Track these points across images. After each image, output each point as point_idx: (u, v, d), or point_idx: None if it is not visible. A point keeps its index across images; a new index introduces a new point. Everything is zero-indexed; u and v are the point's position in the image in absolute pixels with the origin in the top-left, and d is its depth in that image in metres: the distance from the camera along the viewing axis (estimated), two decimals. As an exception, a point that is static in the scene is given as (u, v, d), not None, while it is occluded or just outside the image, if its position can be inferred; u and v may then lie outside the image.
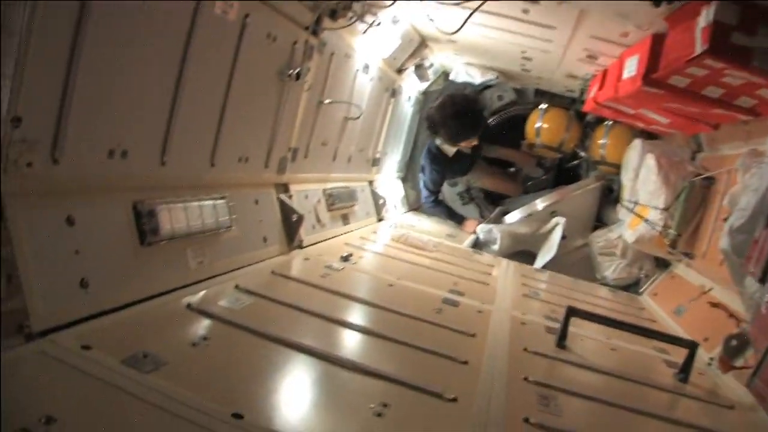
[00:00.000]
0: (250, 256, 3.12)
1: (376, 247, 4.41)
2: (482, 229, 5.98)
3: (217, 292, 2.57)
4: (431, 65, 6.08)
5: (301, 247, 3.67)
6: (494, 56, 5.44)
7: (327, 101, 3.89)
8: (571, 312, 3.01)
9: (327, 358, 2.17)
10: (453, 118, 5.77)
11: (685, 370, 2.96)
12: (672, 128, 4.56)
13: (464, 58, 5.85)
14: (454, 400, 2.06)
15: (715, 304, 3.13)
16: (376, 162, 5.56)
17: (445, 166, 6.31)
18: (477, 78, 5.96)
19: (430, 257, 4.46)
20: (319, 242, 3.96)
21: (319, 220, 4.05)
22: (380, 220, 5.51)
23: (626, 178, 5.59)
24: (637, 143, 5.40)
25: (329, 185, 4.39)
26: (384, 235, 4.90)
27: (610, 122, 6.23)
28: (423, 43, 5.37)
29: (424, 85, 6.48)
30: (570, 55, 4.71)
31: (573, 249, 6.05)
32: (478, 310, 3.30)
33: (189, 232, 2.59)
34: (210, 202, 2.78)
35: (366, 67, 4.52)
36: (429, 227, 6.12)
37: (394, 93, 5.55)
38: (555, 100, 6.49)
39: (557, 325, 3.19)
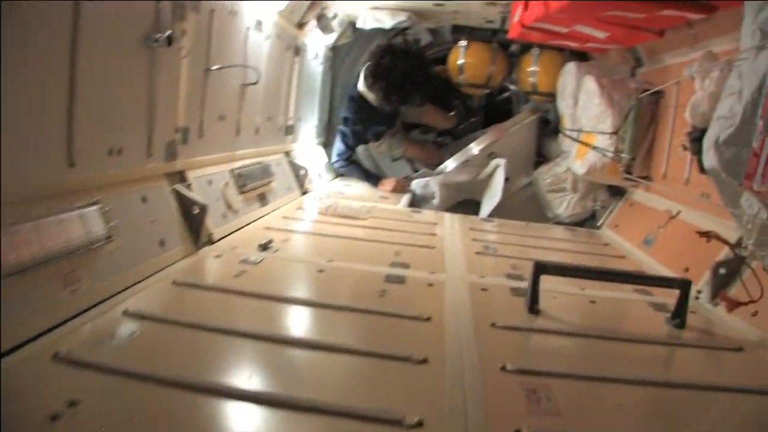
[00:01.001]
0: (146, 267, 2.50)
1: (301, 226, 3.83)
2: (417, 184, 5.46)
3: (97, 328, 1.96)
4: (335, 15, 5.45)
5: (211, 242, 3.07)
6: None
7: (215, 67, 3.25)
8: (540, 269, 2.50)
9: (249, 397, 1.61)
10: (401, 83, 5.36)
11: (679, 314, 2.51)
12: (611, 42, 4.09)
13: (370, 2, 5.23)
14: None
15: (704, 233, 2.66)
16: (290, 130, 4.94)
17: (370, 116, 5.75)
18: (387, 22, 5.36)
19: (365, 227, 3.91)
20: (233, 232, 3.36)
21: (230, 207, 3.45)
22: (304, 193, 4.92)
23: (564, 105, 5.13)
24: (571, 67, 4.94)
25: (237, 164, 3.77)
26: (310, 209, 4.31)
27: (538, 49, 5.76)
28: (322, -11, 4.76)
29: (331, 39, 5.85)
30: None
31: (518, 189, 5.63)
32: (428, 283, 2.76)
33: (49, 257, 1.96)
34: (74, 213, 2.15)
35: (259, 24, 3.89)
36: (360, 191, 5.56)
37: (298, 51, 4.91)
38: (475, 34, 5.94)
39: (523, 285, 2.74)
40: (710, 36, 3.59)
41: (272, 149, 4.54)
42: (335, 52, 6.32)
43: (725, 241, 2.64)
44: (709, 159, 2.33)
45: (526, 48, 5.94)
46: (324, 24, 4.81)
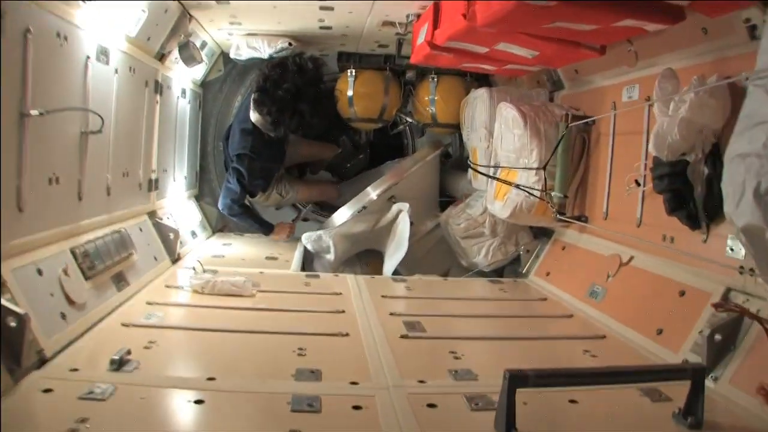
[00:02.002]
0: None
1: (171, 316, 2.90)
2: (308, 238, 4.65)
3: None
4: (203, 44, 4.61)
5: (42, 361, 2.15)
6: (283, 15, 4.07)
7: (35, 112, 2.34)
8: (516, 382, 1.75)
9: None
10: (294, 102, 4.39)
11: (692, 411, 1.85)
12: (539, 63, 3.48)
13: (244, 27, 4.40)
14: None
15: (724, 306, 2.02)
16: (153, 185, 4.02)
17: (263, 149, 4.80)
18: (264, 50, 4.56)
19: (254, 308, 3.06)
20: (77, 338, 2.43)
21: (71, 302, 2.51)
22: (176, 260, 4.01)
23: (474, 138, 4.53)
24: (482, 93, 4.34)
25: (81, 239, 2.84)
26: (183, 285, 3.38)
27: (435, 76, 5.14)
28: (185, 13, 3.89)
29: (199, 73, 4.98)
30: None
31: (424, 235, 4.95)
32: (353, 406, 1.97)
33: None
34: None
35: (103, 53, 3.01)
36: (243, 250, 4.70)
37: (160, 88, 4.02)
38: (365, 61, 5.24)
39: (479, 389, 2.11)
40: (656, 53, 3.04)
41: (131, 212, 3.61)
42: (206, 89, 5.43)
43: (761, 320, 2.00)
44: (746, 213, 1.68)
45: (421, 74, 5.33)
46: (187, 54, 3.94)
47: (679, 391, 1.93)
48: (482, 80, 5.21)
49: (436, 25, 3.29)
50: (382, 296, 3.41)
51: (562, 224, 3.90)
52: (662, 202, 2.77)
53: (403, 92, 5.39)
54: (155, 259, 3.69)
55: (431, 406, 2.00)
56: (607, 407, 2.07)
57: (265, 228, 5.07)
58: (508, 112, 3.82)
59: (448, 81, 5.20)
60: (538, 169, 3.68)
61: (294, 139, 5.29)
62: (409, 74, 5.28)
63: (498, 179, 3.99)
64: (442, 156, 5.38)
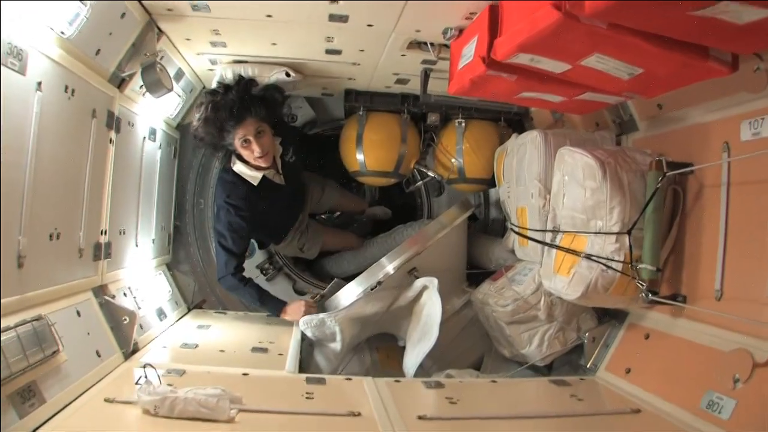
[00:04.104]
0: None
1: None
2: (308, 324, 3.60)
3: None
4: (180, 73, 3.70)
5: None
6: (280, 33, 3.15)
7: None
8: None
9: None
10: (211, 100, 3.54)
11: None
12: (628, 90, 2.53)
13: (230, 50, 3.46)
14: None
15: None
16: (103, 252, 3.02)
17: (252, 195, 3.81)
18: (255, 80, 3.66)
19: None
20: None
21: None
22: (131, 353, 2.97)
23: (519, 195, 3.56)
24: (534, 137, 3.40)
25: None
26: (130, 402, 2.32)
27: (462, 121, 4.24)
28: (151, 25, 2.98)
29: (171, 108, 4.02)
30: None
31: (451, 316, 3.92)
32: None
33: None
34: None
35: (15, 54, 2.07)
36: (223, 336, 3.66)
37: (116, 123, 3.07)
38: (378, 102, 4.31)
39: None
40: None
41: (62, 290, 2.59)
42: (184, 133, 4.45)
43: None
44: None
45: (444, 120, 4.42)
46: (152, 78, 2.98)
47: None
48: (516, 127, 4.30)
49: (495, 33, 2.36)
50: (418, 417, 2.37)
51: (645, 306, 2.94)
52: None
53: (423, 140, 4.46)
54: (98, 355, 2.66)
55: None
56: None
57: (273, 306, 3.90)
58: (577, 160, 2.88)
59: (478, 127, 4.28)
60: (620, 234, 2.73)
61: (330, 187, 4.71)
62: (432, 118, 4.35)
63: (561, 248, 3.02)
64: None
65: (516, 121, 4.37)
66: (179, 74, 3.69)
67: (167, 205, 4.31)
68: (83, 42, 2.53)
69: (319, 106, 4.80)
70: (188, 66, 3.73)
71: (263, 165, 3.72)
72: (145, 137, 3.60)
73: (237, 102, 3.46)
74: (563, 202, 3.03)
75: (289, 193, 4.04)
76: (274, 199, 3.94)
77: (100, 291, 3.00)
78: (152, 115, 3.72)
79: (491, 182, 4.25)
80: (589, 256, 2.83)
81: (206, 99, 3.54)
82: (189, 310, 4.33)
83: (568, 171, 2.97)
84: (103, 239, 3.02)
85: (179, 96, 3.88)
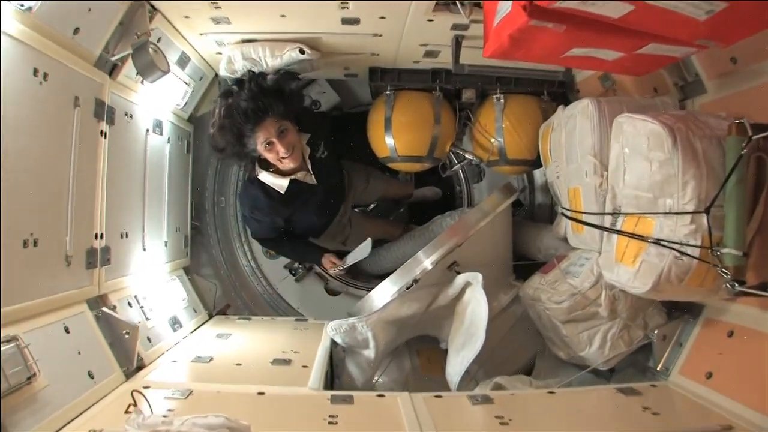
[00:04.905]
0: None
1: None
2: (337, 330, 3.21)
3: None
4: (186, 59, 3.36)
5: None
6: (286, 4, 2.77)
7: None
8: None
9: None
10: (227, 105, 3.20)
11: None
12: (705, 36, 2.07)
13: (235, 28, 3.09)
14: None
15: None
16: (98, 258, 2.67)
17: (285, 211, 3.67)
18: (266, 61, 3.26)
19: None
20: None
21: None
22: (135, 371, 2.63)
23: (571, 173, 3.12)
24: (585, 105, 2.95)
25: None
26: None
27: (501, 96, 3.81)
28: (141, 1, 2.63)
29: (182, 98, 3.66)
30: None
31: (498, 313, 3.51)
32: None
33: None
34: None
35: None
36: (243, 346, 3.31)
37: (110, 114, 2.72)
38: (406, 79, 3.88)
39: None
40: None
41: (41, 305, 2.24)
42: (198, 126, 4.11)
43: None
44: None
45: (481, 96, 3.98)
46: (144, 61, 2.61)
47: None
48: (560, 101, 3.83)
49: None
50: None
51: (727, 298, 2.48)
52: None
53: (458, 120, 4.03)
54: (90, 376, 2.31)
55: None
56: None
57: (311, 256, 4.08)
58: (639, 128, 2.43)
59: (519, 102, 3.82)
60: (696, 213, 2.28)
61: (374, 178, 4.42)
62: (467, 94, 3.91)
63: (624, 233, 2.57)
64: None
65: (560, 95, 3.91)
66: (184, 59, 3.33)
67: (182, 205, 3.95)
68: (52, 18, 2.18)
69: (343, 89, 4.43)
70: (193, 50, 3.36)
71: (291, 165, 3.40)
72: (148, 130, 3.25)
73: (250, 102, 3.10)
74: (624, 179, 2.59)
75: (324, 191, 3.71)
76: (307, 201, 3.64)
77: (98, 302, 2.65)
78: (156, 105, 3.36)
79: (536, 163, 3.81)
80: (658, 241, 2.39)
81: (218, 103, 3.22)
82: (210, 316, 3.99)
83: (628, 142, 2.52)
84: (98, 244, 2.67)
85: (186, 83, 3.51)
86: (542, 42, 2.20)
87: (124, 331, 2.62)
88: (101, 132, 2.65)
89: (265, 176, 3.47)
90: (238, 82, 3.19)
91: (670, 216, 2.38)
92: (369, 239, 3.70)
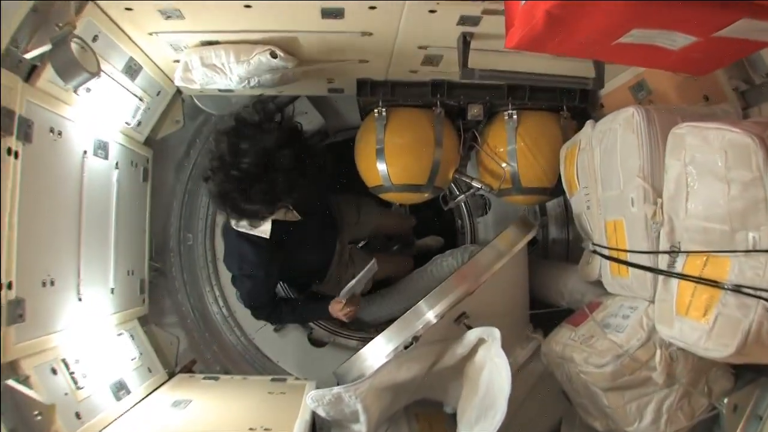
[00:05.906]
0: None
1: None
2: (319, 401, 2.56)
3: None
4: (137, 67, 2.76)
5: None
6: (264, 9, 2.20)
7: None
8: None
9: None
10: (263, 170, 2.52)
11: None
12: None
13: (191, 22, 2.47)
14: None
15: None
16: (4, 313, 2.04)
17: (277, 256, 3.05)
18: (231, 69, 2.65)
19: None
20: None
21: None
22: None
23: (608, 202, 2.53)
24: (630, 114, 2.36)
25: None
26: None
27: (513, 112, 3.24)
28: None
29: (132, 115, 3.03)
30: None
31: (516, 372, 2.87)
32: None
33: None
34: None
35: None
36: (205, 417, 2.67)
37: (22, 127, 2.11)
38: (401, 93, 3.29)
39: None
40: None
41: None
42: (159, 150, 3.51)
43: None
44: None
45: (489, 114, 3.40)
46: (65, 58, 2.02)
47: None
48: (581, 119, 3.24)
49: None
50: None
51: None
52: None
53: (462, 142, 3.44)
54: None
55: None
56: None
57: (318, 307, 3.33)
58: (712, 139, 1.86)
59: (534, 119, 3.25)
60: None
61: (366, 206, 3.85)
62: (474, 111, 3.31)
63: (688, 277, 1.98)
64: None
65: (580, 111, 3.34)
66: (133, 67, 2.73)
67: (137, 243, 3.32)
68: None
69: (328, 108, 3.83)
70: (144, 55, 2.76)
71: None
72: (86, 152, 2.63)
73: (258, 187, 2.52)
74: (687, 207, 2.02)
75: (314, 224, 3.17)
76: (298, 240, 3.10)
77: (4, 372, 2.02)
78: (98, 122, 2.75)
79: (555, 191, 3.25)
80: (739, 288, 1.80)
81: (211, 173, 2.58)
82: (171, 376, 3.33)
83: (694, 159, 1.95)
84: (6, 296, 2.04)
85: (137, 97, 2.91)
86: (590, 21, 1.62)
87: (35, 413, 1.98)
88: (8, 150, 2.03)
89: (243, 226, 2.87)
90: (228, 132, 2.59)
91: (753, 255, 1.79)
92: (374, 260, 3.07)
